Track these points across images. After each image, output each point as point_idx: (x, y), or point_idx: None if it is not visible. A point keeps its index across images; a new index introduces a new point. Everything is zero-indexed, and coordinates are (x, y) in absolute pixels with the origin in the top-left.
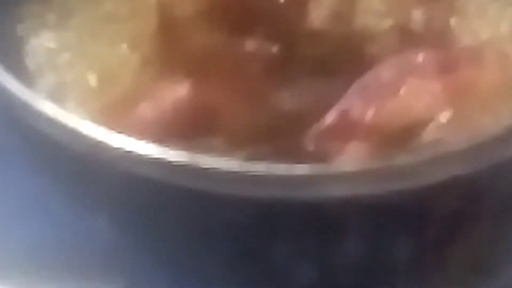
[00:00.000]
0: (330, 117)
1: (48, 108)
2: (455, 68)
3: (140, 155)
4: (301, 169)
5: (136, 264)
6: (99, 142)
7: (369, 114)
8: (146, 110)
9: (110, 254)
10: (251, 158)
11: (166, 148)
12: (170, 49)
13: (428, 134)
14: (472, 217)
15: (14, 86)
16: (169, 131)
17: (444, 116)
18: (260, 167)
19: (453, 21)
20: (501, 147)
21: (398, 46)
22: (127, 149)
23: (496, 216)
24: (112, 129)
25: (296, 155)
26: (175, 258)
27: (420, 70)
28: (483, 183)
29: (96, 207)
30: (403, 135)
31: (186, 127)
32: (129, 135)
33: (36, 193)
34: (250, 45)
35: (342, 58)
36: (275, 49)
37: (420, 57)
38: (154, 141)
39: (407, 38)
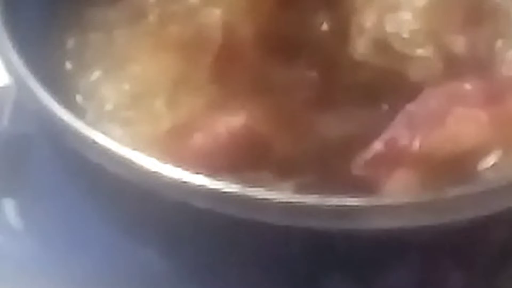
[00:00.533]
0: (377, 145)
1: (101, 138)
2: (503, 97)
3: (193, 185)
4: (352, 200)
5: None
6: (152, 173)
7: (416, 143)
8: (201, 140)
9: (163, 285)
10: (299, 187)
11: (219, 179)
12: (225, 78)
13: (477, 164)
14: None
15: (67, 116)
16: (222, 162)
17: (491, 147)
18: (311, 199)
19: (499, 45)
20: None
21: (442, 73)
22: (180, 179)
23: None
24: (167, 159)
25: (343, 183)
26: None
27: (467, 100)
28: None
29: (149, 237)
30: (450, 164)
31: (240, 159)
32: (183, 166)
33: (88, 223)
34: (295, 73)
35: (386, 85)
36: (318, 77)
37: (467, 86)
38: (206, 173)
39: (451, 64)
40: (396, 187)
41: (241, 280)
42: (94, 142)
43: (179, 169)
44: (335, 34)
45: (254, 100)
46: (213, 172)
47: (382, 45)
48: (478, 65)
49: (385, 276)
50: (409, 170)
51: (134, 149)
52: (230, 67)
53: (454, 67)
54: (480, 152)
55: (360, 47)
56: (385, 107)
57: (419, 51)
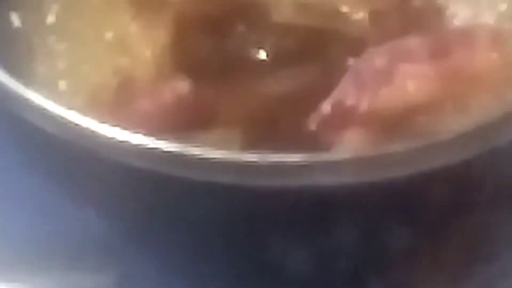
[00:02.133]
0: (326, 107)
1: (38, 98)
2: (448, 51)
3: (131, 145)
4: (293, 157)
5: (128, 255)
6: (90, 132)
7: (365, 102)
8: (147, 104)
9: (102, 244)
10: (246, 148)
11: (158, 138)
12: (175, 49)
13: (427, 121)
14: (466, 205)
15: (2, 76)
16: (167, 125)
17: (438, 101)
18: (251, 156)
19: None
20: (495, 134)
21: (378, 30)
22: (118, 139)
23: (490, 204)
24: (110, 121)
25: (292, 143)
26: (167, 248)
27: (412, 56)
28: (476, 170)
29: (88, 197)
30: (400, 121)
31: (186, 121)
32: (126, 128)
33: (26, 184)
34: (234, 42)
35: (321, 44)
36: (256, 43)
37: (412, 42)
38: (151, 135)
39: (386, 20)
40: (347, 147)
41: (181, 240)
42: (31, 102)
43: (117, 128)
44: (265, 3)
45: (198, 70)
46: (158, 134)
47: (309, 6)
48: (417, 20)
49: (329, 234)
50: (359, 129)
51: (71, 108)
52: (182, 40)
53: (389, 22)
54: (429, 107)
55: (288, 10)
56: (324, 64)
57: (349, 9)
